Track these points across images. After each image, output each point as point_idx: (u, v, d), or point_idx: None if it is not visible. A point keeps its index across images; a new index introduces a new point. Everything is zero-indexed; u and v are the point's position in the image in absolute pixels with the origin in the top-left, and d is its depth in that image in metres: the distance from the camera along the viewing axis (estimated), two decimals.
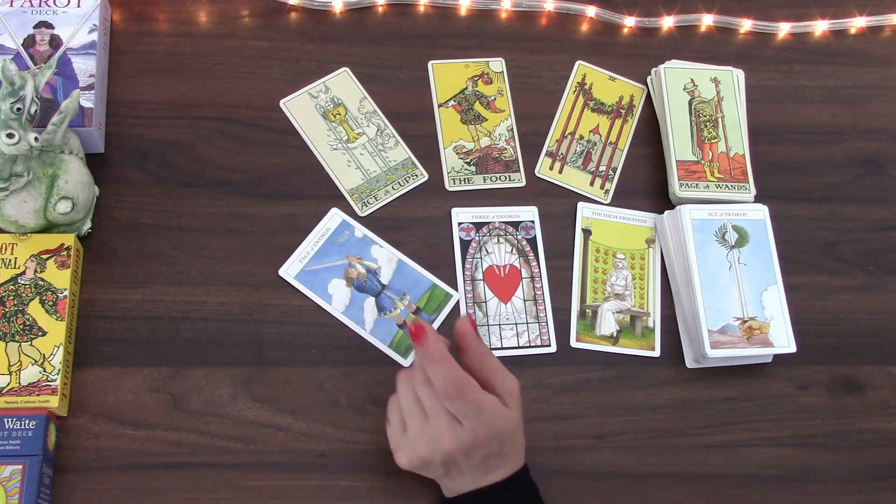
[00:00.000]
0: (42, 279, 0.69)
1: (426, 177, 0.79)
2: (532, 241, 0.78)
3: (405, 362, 0.72)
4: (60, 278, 0.69)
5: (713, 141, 0.81)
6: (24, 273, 0.69)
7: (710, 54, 0.87)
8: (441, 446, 0.60)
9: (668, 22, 0.88)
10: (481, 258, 0.77)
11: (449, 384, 0.59)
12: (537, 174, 0.81)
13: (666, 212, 0.79)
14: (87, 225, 0.73)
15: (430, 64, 0.84)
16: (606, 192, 0.81)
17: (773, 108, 0.86)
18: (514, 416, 0.63)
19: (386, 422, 0.65)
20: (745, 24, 0.89)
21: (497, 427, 0.60)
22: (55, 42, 0.76)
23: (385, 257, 0.76)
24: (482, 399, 0.60)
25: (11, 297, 0.69)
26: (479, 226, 0.78)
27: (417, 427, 0.62)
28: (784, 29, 0.89)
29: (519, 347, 0.74)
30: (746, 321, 0.73)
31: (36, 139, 0.65)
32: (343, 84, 0.83)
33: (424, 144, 0.81)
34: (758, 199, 0.79)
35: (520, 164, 0.81)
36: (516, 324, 0.74)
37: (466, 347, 0.62)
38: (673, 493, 0.70)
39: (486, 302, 0.75)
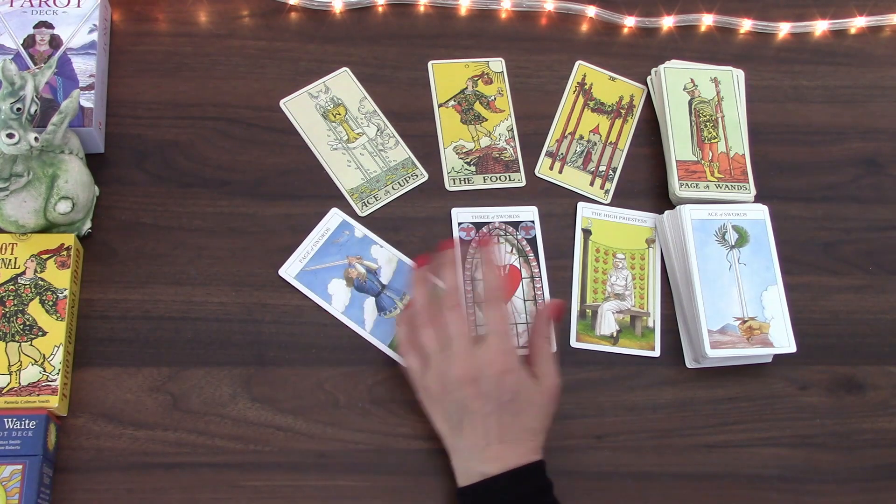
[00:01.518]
0: (42, 279, 0.69)
1: (426, 177, 0.79)
2: (532, 241, 0.78)
3: (405, 362, 0.72)
4: (60, 278, 0.69)
5: (713, 141, 0.81)
6: (24, 273, 0.69)
7: (710, 54, 0.87)
8: (456, 366, 0.64)
9: (668, 22, 0.88)
10: (481, 258, 0.77)
11: (451, 293, 0.67)
12: (537, 174, 0.81)
13: (666, 212, 0.79)
14: (87, 225, 0.73)
15: (430, 64, 0.84)
16: (606, 192, 0.81)
17: (773, 108, 0.86)
18: (537, 388, 0.66)
19: (405, 368, 0.69)
20: (745, 24, 0.89)
21: (507, 365, 0.65)
22: (55, 42, 0.76)
23: (385, 257, 0.76)
24: (505, 318, 0.67)
25: (11, 297, 0.69)
26: (479, 226, 0.78)
27: (439, 356, 0.66)
28: (784, 29, 0.89)
29: (519, 347, 0.74)
30: (746, 321, 0.73)
31: (36, 139, 0.65)
32: (343, 84, 0.83)
33: (424, 144, 0.81)
34: (758, 199, 0.79)
35: (520, 164, 0.81)
36: (516, 324, 0.74)
37: (542, 326, 0.70)
38: (673, 493, 0.70)
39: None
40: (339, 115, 0.81)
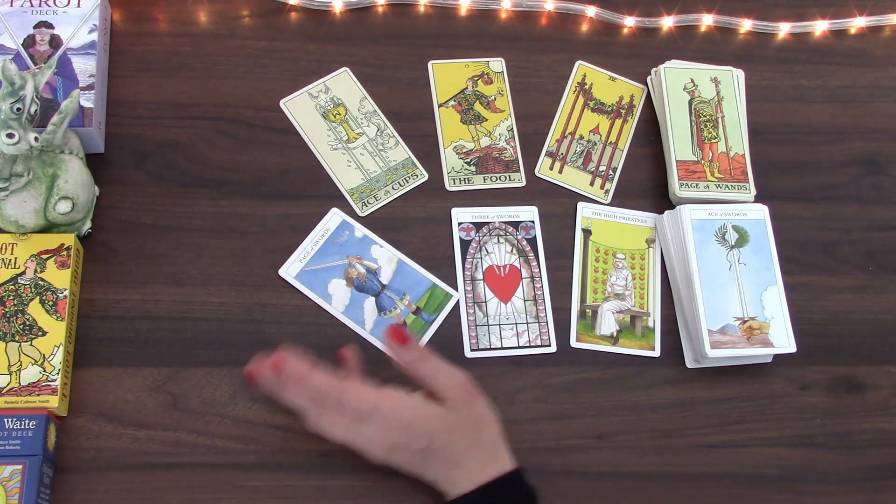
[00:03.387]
0: (42, 279, 0.69)
1: (426, 177, 0.79)
2: (532, 241, 0.78)
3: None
4: (60, 278, 0.69)
5: (713, 141, 0.81)
6: (24, 273, 0.69)
7: (710, 54, 0.87)
8: (369, 453, 0.62)
9: (668, 22, 0.88)
10: (481, 258, 0.77)
11: (327, 398, 0.59)
12: (537, 174, 0.81)
13: (666, 212, 0.79)
14: (87, 225, 0.73)
15: (430, 64, 0.84)
16: (606, 192, 0.81)
17: (773, 108, 0.86)
18: (443, 413, 0.62)
19: None
20: (745, 24, 0.89)
21: (407, 420, 0.61)
22: (55, 42, 0.76)
23: (385, 257, 0.76)
24: (367, 395, 0.60)
25: (11, 297, 0.69)
26: (479, 226, 0.78)
27: (351, 437, 0.62)
28: (784, 29, 0.89)
29: (519, 347, 0.74)
30: (746, 321, 0.73)
31: (36, 139, 0.65)
32: (343, 84, 0.83)
33: (424, 144, 0.81)
34: (758, 199, 0.79)
35: (520, 164, 0.81)
36: (516, 324, 0.74)
37: (395, 356, 0.64)
38: (673, 493, 0.70)
39: (486, 302, 0.75)
40: (339, 115, 0.81)
